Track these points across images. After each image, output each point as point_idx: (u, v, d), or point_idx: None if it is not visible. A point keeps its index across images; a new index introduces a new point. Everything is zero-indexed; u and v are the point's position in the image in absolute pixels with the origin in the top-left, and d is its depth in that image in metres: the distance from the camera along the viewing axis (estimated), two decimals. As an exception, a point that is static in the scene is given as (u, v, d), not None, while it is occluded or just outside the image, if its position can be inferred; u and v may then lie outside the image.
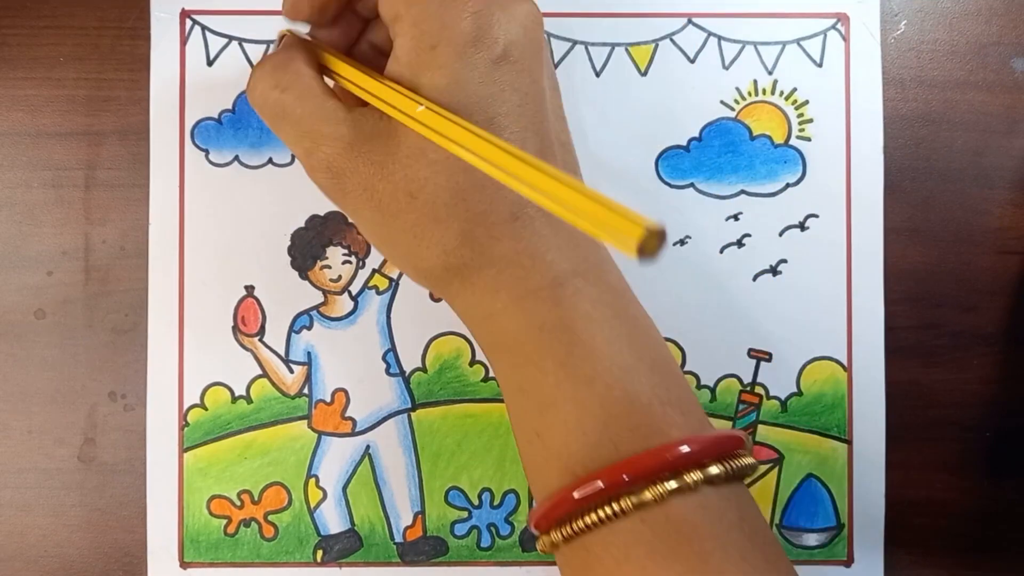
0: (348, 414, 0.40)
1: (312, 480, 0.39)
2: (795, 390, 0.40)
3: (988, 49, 0.41)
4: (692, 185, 0.40)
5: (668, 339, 0.39)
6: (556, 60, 0.40)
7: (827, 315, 0.40)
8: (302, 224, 0.40)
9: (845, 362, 0.40)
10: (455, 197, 0.29)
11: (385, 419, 0.40)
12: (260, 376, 0.39)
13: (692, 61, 0.40)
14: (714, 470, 0.27)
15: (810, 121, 0.40)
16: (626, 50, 0.40)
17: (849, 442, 0.39)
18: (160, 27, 0.40)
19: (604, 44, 0.40)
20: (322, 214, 0.40)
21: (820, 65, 0.40)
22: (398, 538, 0.39)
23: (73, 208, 0.40)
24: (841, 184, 0.40)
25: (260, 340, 0.39)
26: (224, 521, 0.39)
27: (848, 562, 0.39)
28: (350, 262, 0.40)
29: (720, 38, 0.40)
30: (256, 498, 0.39)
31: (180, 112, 0.40)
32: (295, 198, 0.40)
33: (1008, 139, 0.40)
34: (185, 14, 0.40)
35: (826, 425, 0.40)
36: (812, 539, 0.39)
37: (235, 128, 0.39)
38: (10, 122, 0.40)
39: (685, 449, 0.27)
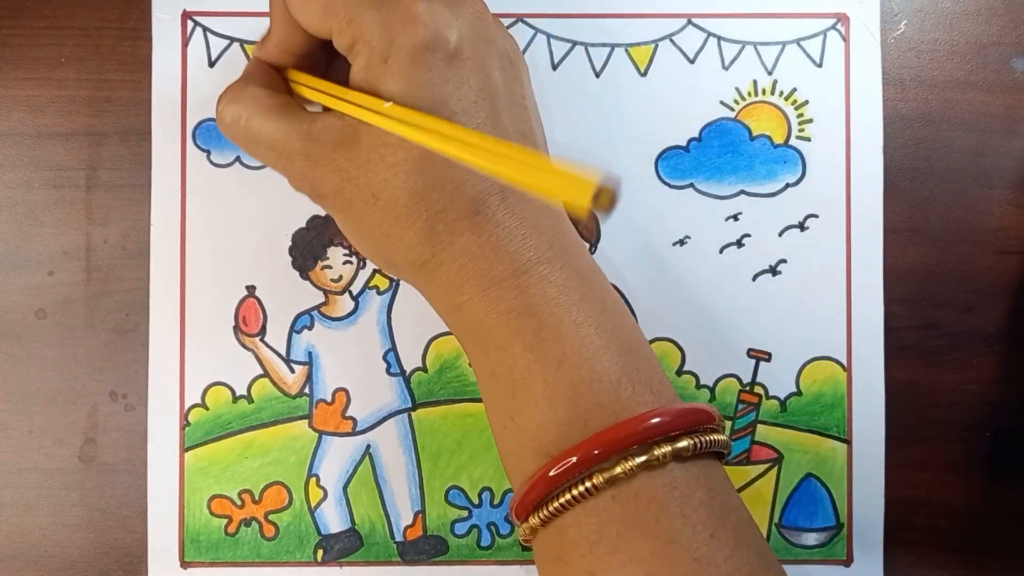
0: (349, 414, 0.40)
1: (313, 480, 0.39)
2: (794, 390, 0.40)
3: (988, 49, 0.41)
4: (692, 185, 0.40)
5: (668, 339, 0.40)
6: (556, 60, 0.40)
7: (827, 315, 0.40)
8: (303, 224, 0.40)
9: (845, 362, 0.40)
10: (414, 197, 0.30)
11: (385, 419, 0.40)
12: (261, 376, 0.39)
13: (692, 61, 0.40)
14: (683, 443, 0.28)
15: (810, 121, 0.40)
16: (626, 50, 0.40)
17: (849, 442, 0.39)
18: (161, 28, 0.40)
19: (604, 44, 0.40)
20: (323, 214, 0.40)
21: (820, 65, 0.40)
22: (398, 537, 0.39)
23: (74, 208, 0.40)
24: (841, 184, 0.40)
25: (261, 340, 0.39)
26: (225, 521, 0.39)
27: (847, 562, 0.39)
28: (351, 262, 0.40)
29: (720, 38, 0.40)
30: (257, 498, 0.39)
31: (182, 113, 0.40)
32: (296, 198, 0.39)
33: (1008, 139, 0.40)
34: (187, 15, 0.40)
35: (825, 425, 0.40)
36: (811, 539, 0.39)
37: (236, 128, 0.40)
38: (11, 122, 0.40)
39: (655, 421, 0.28)
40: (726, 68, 0.40)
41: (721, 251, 0.40)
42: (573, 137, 0.40)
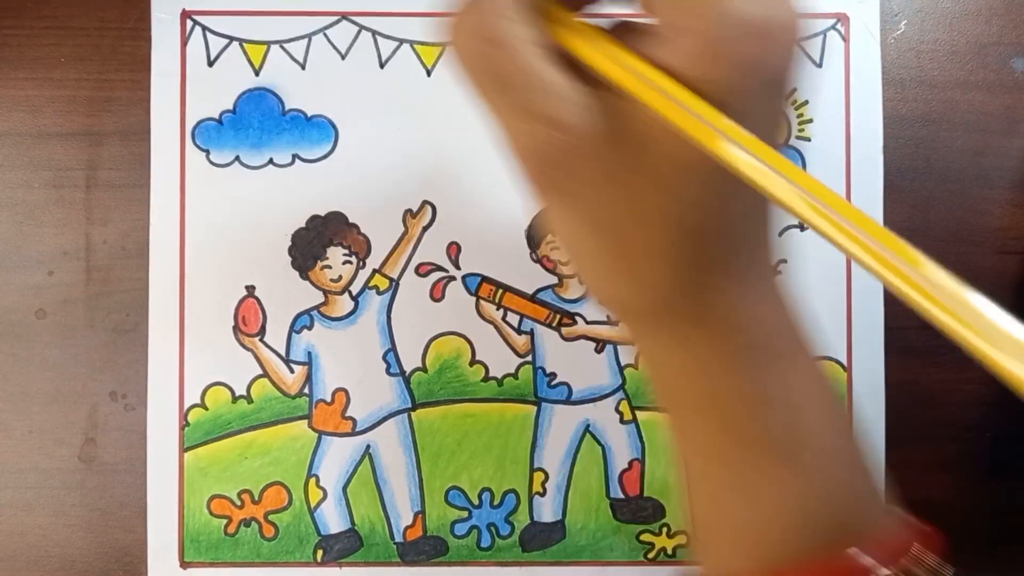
0: (348, 414, 0.40)
1: (312, 480, 0.39)
2: (795, 390, 0.40)
3: (988, 49, 0.41)
4: (692, 185, 0.40)
5: (668, 339, 0.39)
6: (556, 60, 0.40)
7: (827, 315, 0.39)
8: (303, 224, 0.40)
9: (845, 362, 0.40)
10: (689, 236, 0.24)
11: (385, 419, 0.40)
12: (260, 376, 0.39)
13: (692, 61, 0.40)
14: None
15: (810, 121, 0.40)
16: (626, 50, 0.40)
17: (849, 442, 0.39)
18: (161, 28, 0.40)
19: (604, 44, 0.40)
20: (323, 214, 0.40)
21: (820, 65, 0.40)
22: (398, 538, 0.39)
23: (74, 208, 0.40)
24: (841, 184, 0.40)
25: (261, 340, 0.39)
26: (224, 521, 0.39)
27: (848, 562, 0.39)
28: (350, 262, 0.40)
29: (720, 38, 0.40)
30: (256, 498, 0.39)
31: (181, 112, 0.40)
32: (296, 198, 0.40)
33: (1008, 139, 0.40)
34: (186, 15, 0.40)
35: (826, 425, 0.39)
36: (812, 539, 0.39)
37: (236, 128, 0.40)
38: (11, 122, 0.40)
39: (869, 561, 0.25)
40: (726, 68, 0.40)
41: (721, 251, 0.40)
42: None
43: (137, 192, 0.40)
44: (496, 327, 0.39)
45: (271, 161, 0.40)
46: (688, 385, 0.26)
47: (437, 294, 0.40)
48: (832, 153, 0.40)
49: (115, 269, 0.40)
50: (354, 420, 0.40)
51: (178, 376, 0.39)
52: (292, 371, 0.40)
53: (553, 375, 0.39)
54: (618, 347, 0.39)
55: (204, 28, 0.40)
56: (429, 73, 0.40)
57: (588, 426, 0.40)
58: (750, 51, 0.22)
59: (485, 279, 0.39)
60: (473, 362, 0.39)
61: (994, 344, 0.19)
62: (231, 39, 0.40)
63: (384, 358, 0.40)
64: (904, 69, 0.40)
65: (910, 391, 0.40)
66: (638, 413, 0.39)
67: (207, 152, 0.40)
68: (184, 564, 0.39)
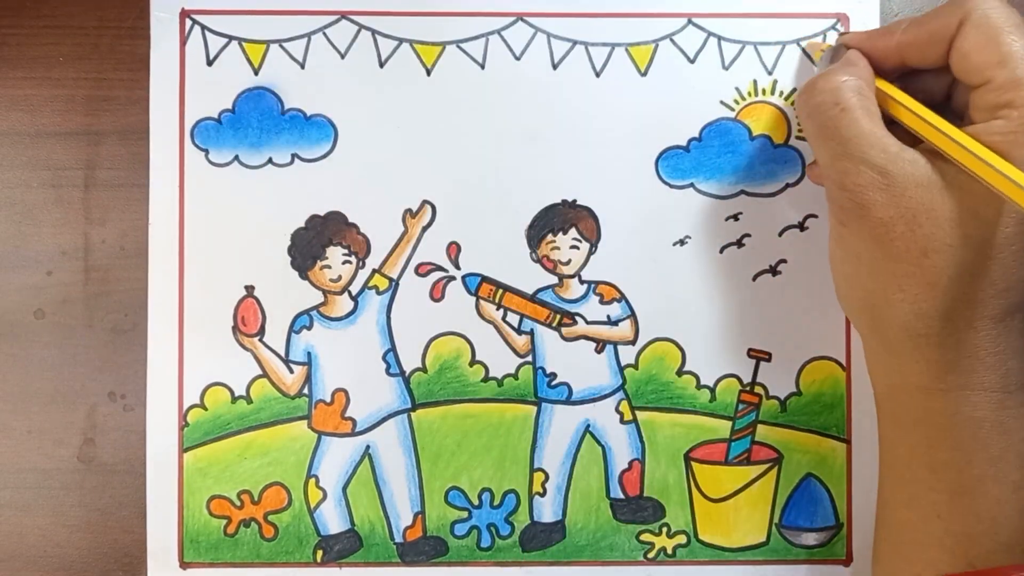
0: (348, 414, 0.40)
1: (312, 480, 0.39)
2: (794, 390, 0.40)
3: (987, 49, 0.41)
4: (692, 185, 0.40)
5: (668, 339, 0.39)
6: (556, 60, 0.40)
7: (826, 315, 0.40)
8: (302, 224, 0.40)
9: (844, 362, 0.40)
10: (966, 275, 0.30)
11: (385, 419, 0.40)
12: (260, 376, 0.39)
13: (692, 61, 0.40)
14: None
15: (810, 121, 0.40)
16: (626, 50, 0.40)
17: (848, 441, 0.40)
18: (160, 27, 0.40)
19: (604, 44, 0.40)
20: (322, 214, 0.39)
21: (816, 66, 0.40)
22: (398, 538, 0.39)
23: (73, 208, 0.40)
24: (841, 184, 0.40)
25: (260, 340, 0.39)
26: (224, 521, 0.39)
27: (847, 561, 0.39)
28: (350, 262, 0.40)
29: (720, 38, 0.40)
30: (256, 498, 0.39)
31: (180, 112, 0.40)
32: (295, 198, 0.39)
33: (1007, 139, 0.40)
34: (185, 14, 0.40)
35: (825, 425, 0.40)
36: (811, 538, 0.39)
37: (235, 128, 0.39)
38: (9, 122, 0.40)
39: None
40: (726, 68, 0.40)
41: (721, 251, 0.40)
42: (573, 137, 0.39)
43: (136, 192, 0.39)
44: (496, 327, 0.39)
45: (270, 161, 0.40)
46: (918, 403, 0.32)
47: (437, 294, 0.39)
48: (832, 153, 0.40)
49: (114, 269, 0.40)
50: (354, 420, 0.40)
51: (177, 376, 0.39)
52: (291, 371, 0.39)
53: (553, 375, 0.39)
54: (618, 347, 0.39)
55: (203, 27, 0.40)
56: (429, 73, 0.39)
57: (588, 426, 0.40)
58: None
59: (485, 279, 0.39)
60: (473, 362, 0.39)
61: None
62: (230, 38, 0.40)
63: (384, 358, 0.40)
64: (904, 69, 0.40)
65: (909, 391, 0.40)
66: (638, 413, 0.39)
67: (206, 152, 0.40)
68: (183, 564, 0.39)
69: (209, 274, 0.39)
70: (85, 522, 0.39)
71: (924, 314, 0.31)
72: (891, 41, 0.33)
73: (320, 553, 0.39)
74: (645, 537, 0.39)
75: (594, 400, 0.39)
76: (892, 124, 0.32)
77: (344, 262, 0.40)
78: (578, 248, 0.39)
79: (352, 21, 0.40)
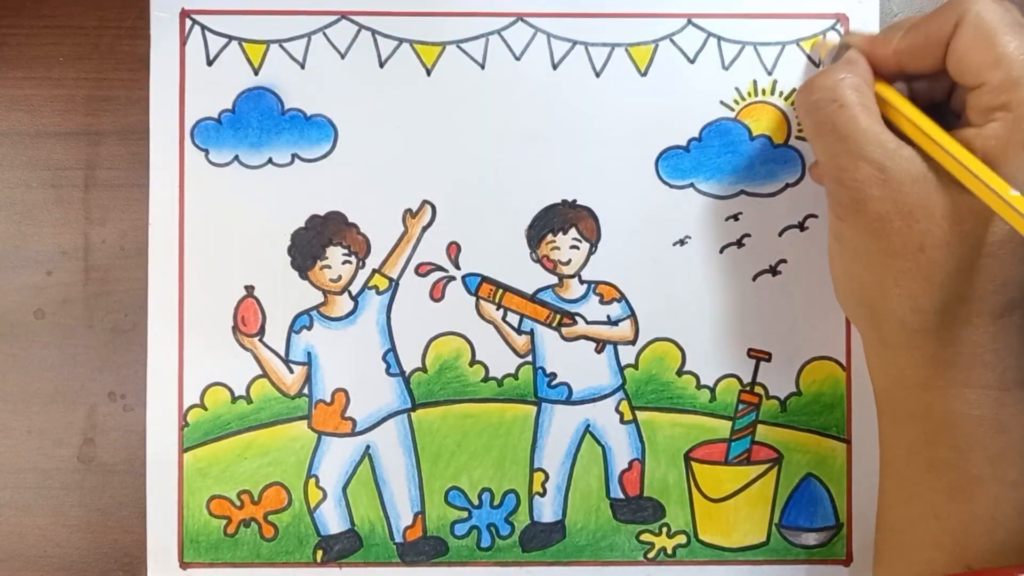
0: (348, 414, 0.40)
1: (312, 480, 0.39)
2: (794, 390, 0.40)
3: (987, 49, 0.41)
4: (692, 185, 0.40)
5: (668, 339, 0.39)
6: (556, 60, 0.40)
7: (826, 315, 0.40)
8: (302, 224, 0.40)
9: (844, 362, 0.40)
10: (964, 271, 0.30)
11: (385, 419, 0.40)
12: (260, 376, 0.39)
13: (692, 61, 0.40)
14: None
15: (810, 121, 0.40)
16: (626, 50, 0.40)
17: (848, 441, 0.40)
18: (160, 27, 0.40)
19: (604, 44, 0.40)
20: (322, 214, 0.39)
21: (819, 65, 0.40)
22: (398, 538, 0.39)
23: (72, 208, 0.40)
24: (841, 184, 0.40)
25: (260, 340, 0.39)
26: (224, 521, 0.39)
27: (847, 561, 0.40)
28: (350, 262, 0.40)
29: (720, 38, 0.40)
30: (256, 498, 0.39)
31: (180, 112, 0.40)
32: (295, 198, 0.39)
33: (1007, 139, 0.40)
34: (185, 14, 0.40)
35: (825, 425, 0.40)
36: (811, 538, 0.39)
37: (235, 128, 0.39)
38: (9, 122, 0.40)
39: None
40: (726, 68, 0.40)
41: (721, 251, 0.40)
42: (573, 137, 0.39)
43: (136, 192, 0.39)
44: (496, 327, 0.39)
45: (270, 161, 0.40)
46: (917, 398, 0.31)
47: (437, 294, 0.39)
48: (832, 153, 0.40)
49: (114, 269, 0.40)
50: (354, 420, 0.40)
51: (177, 376, 0.39)
52: (291, 371, 0.39)
53: (553, 375, 0.39)
54: (618, 347, 0.39)
55: (203, 27, 0.40)
56: (429, 73, 0.39)
57: (588, 426, 0.40)
58: None
59: (485, 279, 0.39)
60: (473, 362, 0.39)
61: None
62: (230, 38, 0.40)
63: (384, 358, 0.39)
64: (904, 69, 0.40)
65: (909, 391, 0.40)
66: (638, 413, 0.39)
67: (206, 152, 0.40)
68: (183, 565, 0.39)
69: (209, 274, 0.39)
70: (85, 522, 0.39)
71: (921, 309, 0.31)
72: (888, 49, 0.33)
73: (320, 553, 0.39)
74: (645, 537, 0.39)
75: (594, 400, 0.39)
76: (891, 123, 0.32)
77: (344, 262, 0.40)
78: (578, 248, 0.39)
79: (352, 21, 0.40)
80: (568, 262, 0.39)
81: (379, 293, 0.40)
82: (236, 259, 0.39)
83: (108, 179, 0.40)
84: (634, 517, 0.39)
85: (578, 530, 0.39)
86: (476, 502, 0.39)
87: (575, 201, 0.39)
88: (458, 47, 0.40)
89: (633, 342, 0.40)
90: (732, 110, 0.40)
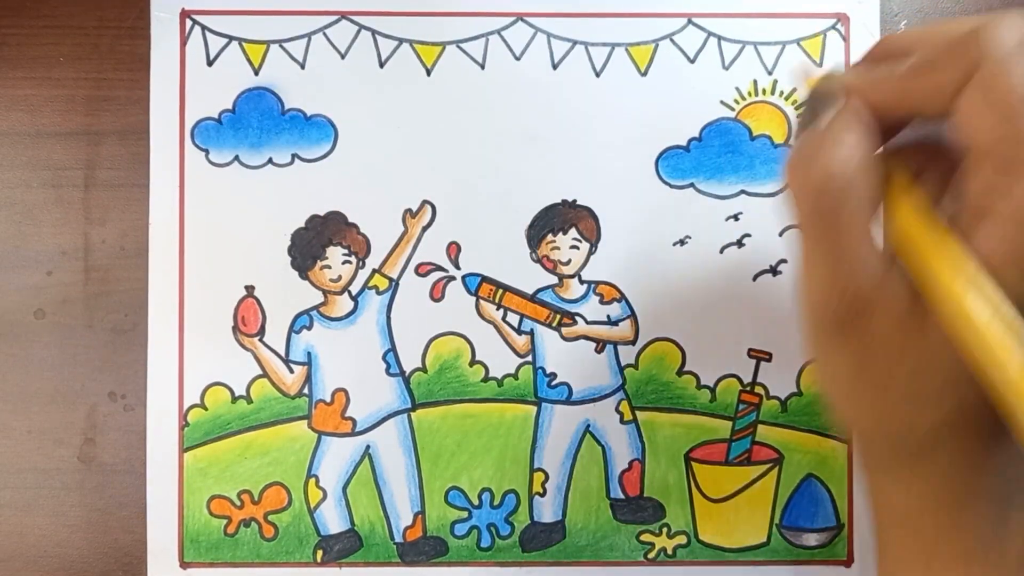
0: (348, 414, 0.40)
1: (312, 480, 0.39)
2: (795, 390, 0.40)
3: (988, 49, 0.41)
4: (692, 185, 0.40)
5: (668, 339, 0.39)
6: (556, 60, 0.40)
7: (827, 315, 0.39)
8: (302, 224, 0.40)
9: (845, 362, 0.40)
10: (955, 391, 0.25)
11: (385, 419, 0.40)
12: (260, 376, 0.39)
13: (692, 61, 0.40)
14: None
15: (810, 121, 0.40)
16: (626, 50, 0.40)
17: (849, 442, 0.39)
18: (160, 27, 0.40)
19: (604, 44, 0.40)
20: (322, 214, 0.39)
21: (820, 65, 0.40)
22: (398, 538, 0.39)
23: (73, 208, 0.40)
24: (841, 184, 0.40)
25: (260, 340, 0.39)
26: (224, 521, 0.39)
27: (848, 562, 0.39)
28: (350, 262, 0.40)
29: (720, 38, 0.40)
30: (256, 498, 0.39)
31: (180, 112, 0.40)
32: (295, 198, 0.39)
33: (1008, 139, 0.40)
34: (185, 14, 0.40)
35: (826, 425, 0.40)
36: (812, 539, 0.39)
37: (235, 128, 0.39)
38: (9, 122, 0.40)
39: None
40: (726, 68, 0.40)
41: (721, 251, 0.40)
42: (573, 137, 0.39)
43: (136, 192, 0.39)
44: (496, 327, 0.39)
45: (270, 161, 0.40)
46: (920, 513, 0.28)
47: (437, 294, 0.39)
48: (832, 153, 0.40)
49: (114, 269, 0.40)
50: (354, 420, 0.39)
51: (177, 376, 0.39)
52: (292, 371, 0.39)
53: (553, 375, 0.39)
54: (618, 347, 0.39)
55: (203, 27, 0.40)
56: (429, 73, 0.39)
57: (588, 426, 0.40)
58: None
59: (485, 279, 0.39)
60: (473, 362, 0.39)
61: None
62: (230, 38, 0.40)
63: (384, 358, 0.39)
64: (904, 69, 0.40)
65: (910, 391, 0.40)
66: (638, 413, 0.39)
67: (206, 152, 0.40)
68: (184, 564, 0.39)
69: (209, 274, 0.39)
70: (85, 522, 0.39)
71: (916, 431, 0.27)
72: (888, 90, 0.26)
73: (320, 553, 0.39)
74: (645, 537, 0.39)
75: (594, 400, 0.39)
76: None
77: (344, 262, 0.40)
78: (578, 248, 0.39)
79: (352, 21, 0.40)
80: (568, 262, 0.39)
81: (379, 293, 0.40)
82: (236, 259, 0.39)
83: (108, 179, 0.40)
84: (634, 517, 0.39)
85: (578, 530, 0.39)
86: (476, 502, 0.39)
87: (575, 201, 0.39)
88: (458, 47, 0.40)
89: (633, 342, 0.39)
90: (732, 110, 0.40)
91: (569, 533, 0.39)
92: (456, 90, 0.40)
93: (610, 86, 0.40)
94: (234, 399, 0.39)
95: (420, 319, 0.39)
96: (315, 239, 0.39)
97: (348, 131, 0.39)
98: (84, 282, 0.40)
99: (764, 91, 0.40)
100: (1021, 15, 0.23)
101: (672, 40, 0.40)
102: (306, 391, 0.39)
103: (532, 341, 0.39)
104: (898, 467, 0.28)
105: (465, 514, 0.39)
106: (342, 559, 0.39)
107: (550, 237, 0.39)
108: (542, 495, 0.39)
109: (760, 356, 0.39)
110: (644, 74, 0.40)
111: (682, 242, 0.40)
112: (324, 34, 0.39)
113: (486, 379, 0.39)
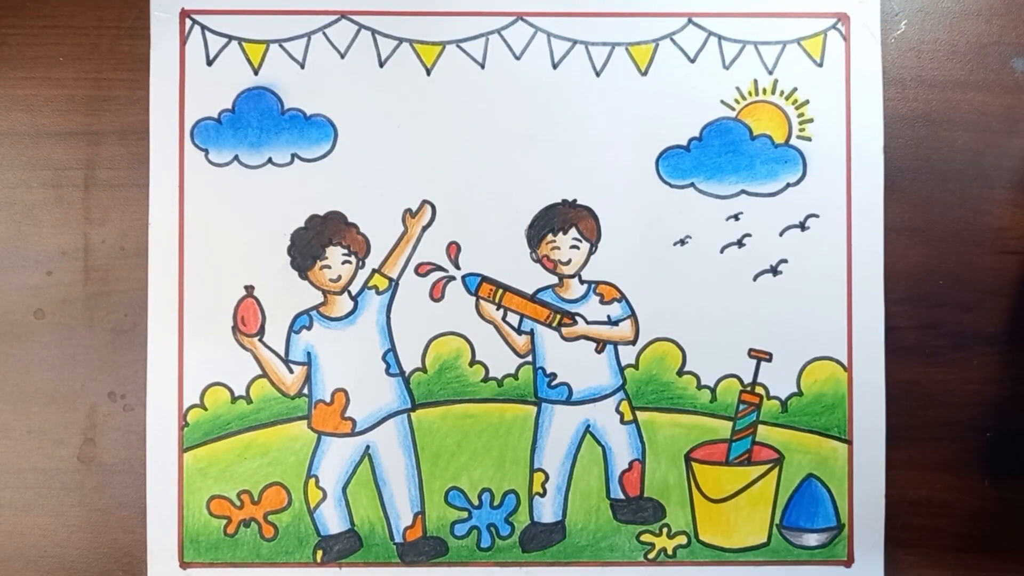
0: (348, 414, 0.39)
1: (312, 480, 0.39)
2: (795, 390, 0.40)
3: (988, 49, 0.41)
4: (692, 185, 0.40)
5: (668, 339, 0.39)
6: (556, 59, 0.40)
7: (827, 315, 0.39)
8: (302, 224, 0.40)
9: (845, 362, 0.40)
10: None
11: (385, 419, 0.40)
12: (260, 376, 0.39)
13: (692, 61, 0.40)
14: None
15: (810, 121, 0.40)
16: (626, 50, 0.40)
17: (849, 442, 0.39)
18: (160, 27, 0.40)
19: (604, 44, 0.40)
20: (322, 214, 0.39)
21: (820, 65, 0.40)
22: (398, 538, 0.39)
23: (72, 208, 0.40)
24: (841, 184, 0.40)
25: (260, 340, 0.39)
26: (224, 521, 0.39)
27: (848, 562, 0.39)
28: (350, 262, 0.40)
29: (720, 38, 0.40)
30: (256, 498, 0.39)
31: (180, 112, 0.39)
32: (295, 198, 0.39)
33: (1008, 139, 0.40)
34: (185, 14, 0.40)
35: (826, 425, 0.39)
36: (812, 539, 0.39)
37: (235, 128, 0.39)
38: (9, 122, 0.40)
39: None
40: (727, 67, 0.40)
41: (722, 251, 0.40)
42: (573, 137, 0.39)
43: (136, 192, 0.39)
44: (496, 327, 0.39)
45: (270, 160, 0.40)
46: None
47: (437, 294, 0.39)
48: (833, 152, 0.40)
49: (114, 269, 0.40)
50: (354, 420, 0.39)
51: (177, 376, 0.39)
52: (291, 371, 0.39)
53: (553, 375, 0.39)
54: (618, 347, 0.39)
55: (203, 27, 0.40)
56: (429, 72, 0.39)
57: (588, 426, 0.39)
58: None
59: (485, 279, 0.39)
60: (473, 362, 0.39)
61: None
62: (230, 38, 0.40)
63: (384, 358, 0.39)
64: (904, 69, 0.40)
65: (910, 391, 0.40)
66: (638, 413, 0.39)
67: (206, 151, 0.40)
68: (184, 564, 0.39)
69: (209, 274, 0.39)
70: (85, 522, 0.39)
71: None
72: None
73: (320, 553, 0.39)
74: (645, 538, 0.39)
75: (594, 400, 0.39)
76: None
77: (344, 262, 0.40)
78: (578, 248, 0.39)
79: (352, 21, 0.40)
80: (568, 262, 0.39)
81: (379, 293, 0.40)
82: (236, 259, 0.39)
83: (108, 179, 0.40)
84: (634, 517, 0.39)
85: (578, 530, 0.39)
86: (476, 502, 0.39)
87: (575, 201, 0.39)
88: (458, 47, 0.39)
89: (633, 342, 0.39)
90: (733, 109, 0.40)
91: (569, 533, 0.39)
92: (456, 90, 0.39)
93: (610, 86, 0.40)
94: (234, 399, 0.39)
95: (420, 319, 0.39)
96: (315, 239, 0.39)
97: (348, 131, 0.39)
98: (84, 282, 0.39)
99: (764, 91, 0.40)
100: None
101: (672, 40, 0.40)
102: (306, 391, 0.39)
103: (532, 341, 0.39)
104: None
105: (465, 514, 0.39)
106: (342, 559, 0.39)
107: (550, 237, 0.39)
108: (542, 495, 0.39)
109: (760, 356, 0.39)
110: (644, 74, 0.40)
111: (682, 242, 0.40)
112: (324, 34, 0.39)
113: (486, 379, 0.39)
